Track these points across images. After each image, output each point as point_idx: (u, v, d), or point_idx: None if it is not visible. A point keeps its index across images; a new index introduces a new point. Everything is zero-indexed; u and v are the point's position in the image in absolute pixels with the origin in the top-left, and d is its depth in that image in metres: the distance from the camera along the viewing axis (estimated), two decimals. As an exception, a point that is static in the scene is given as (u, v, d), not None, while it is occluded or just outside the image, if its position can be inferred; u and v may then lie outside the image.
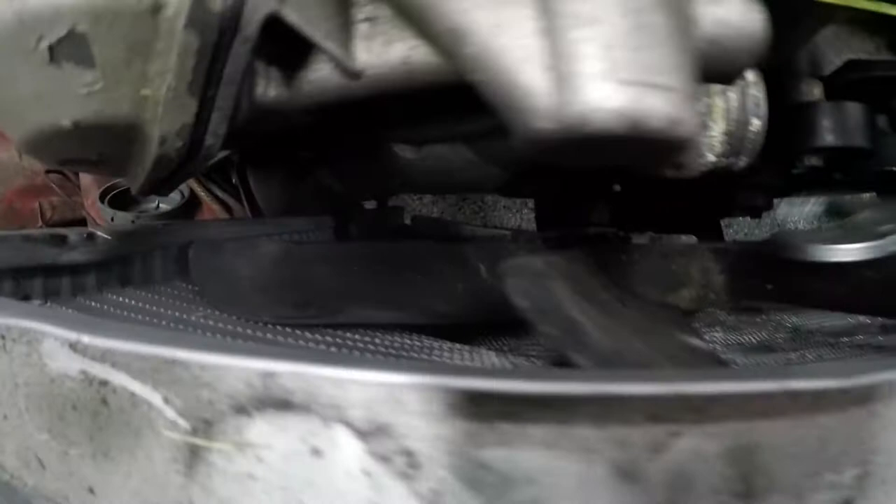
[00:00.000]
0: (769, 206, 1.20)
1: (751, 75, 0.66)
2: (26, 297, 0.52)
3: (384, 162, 0.52)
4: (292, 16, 0.33)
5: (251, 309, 0.49)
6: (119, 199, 0.86)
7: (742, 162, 0.67)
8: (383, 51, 0.35)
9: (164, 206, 0.87)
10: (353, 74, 0.35)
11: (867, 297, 0.61)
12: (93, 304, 0.52)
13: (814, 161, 0.82)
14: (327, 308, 0.50)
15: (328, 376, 0.22)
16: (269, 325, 0.47)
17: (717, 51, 0.37)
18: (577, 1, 0.31)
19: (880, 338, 0.66)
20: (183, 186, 0.88)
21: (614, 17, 0.31)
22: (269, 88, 0.38)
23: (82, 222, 0.89)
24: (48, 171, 0.87)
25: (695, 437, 0.20)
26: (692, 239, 0.68)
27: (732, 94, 0.65)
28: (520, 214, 1.17)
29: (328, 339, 0.46)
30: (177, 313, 0.49)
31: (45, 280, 0.54)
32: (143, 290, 0.55)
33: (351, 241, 0.72)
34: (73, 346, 0.27)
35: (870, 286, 0.61)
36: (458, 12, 0.32)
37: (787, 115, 0.82)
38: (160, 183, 0.44)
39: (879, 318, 0.67)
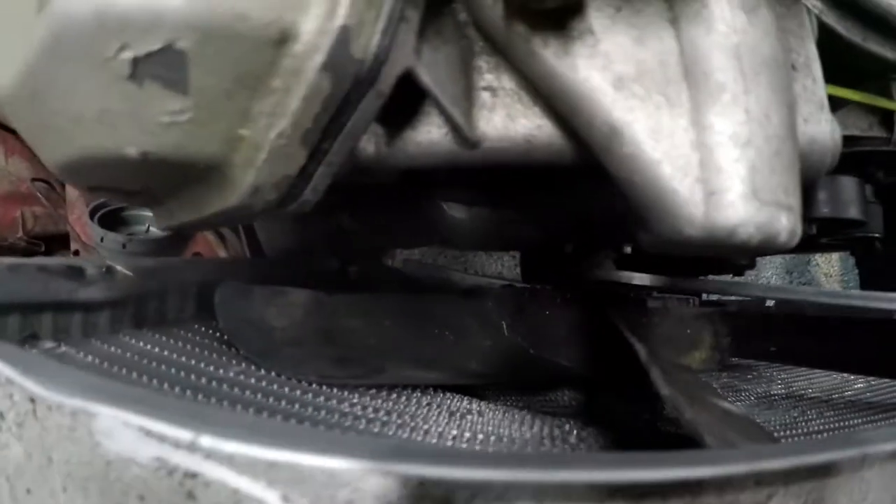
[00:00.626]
0: (752, 266, 1.27)
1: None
2: (34, 336, 0.49)
3: (427, 217, 0.52)
4: (425, 76, 0.32)
5: (291, 365, 0.47)
6: (108, 218, 0.81)
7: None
8: (506, 125, 0.35)
9: (154, 231, 0.83)
10: (471, 144, 0.35)
11: (860, 355, 0.65)
12: (109, 348, 0.49)
13: (809, 230, 0.88)
14: (368, 366, 0.48)
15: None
16: (314, 385, 0.46)
17: (806, 166, 0.40)
18: (729, 121, 0.34)
19: (868, 394, 0.71)
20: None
21: (760, 141, 0.34)
22: (369, 144, 0.36)
23: (65, 237, 0.83)
24: (34, 180, 0.80)
25: (784, 496, 0.25)
26: (693, 300, 0.70)
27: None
28: (501, 262, 1.18)
29: (379, 402, 0.44)
30: (211, 367, 0.47)
31: (55, 316, 0.50)
32: (160, 332, 0.52)
33: (348, 287, 0.71)
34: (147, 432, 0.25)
35: (863, 345, 0.64)
36: (620, 110, 0.33)
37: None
38: (203, 226, 0.41)
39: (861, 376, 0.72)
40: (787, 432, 0.60)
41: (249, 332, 0.50)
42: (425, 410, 0.45)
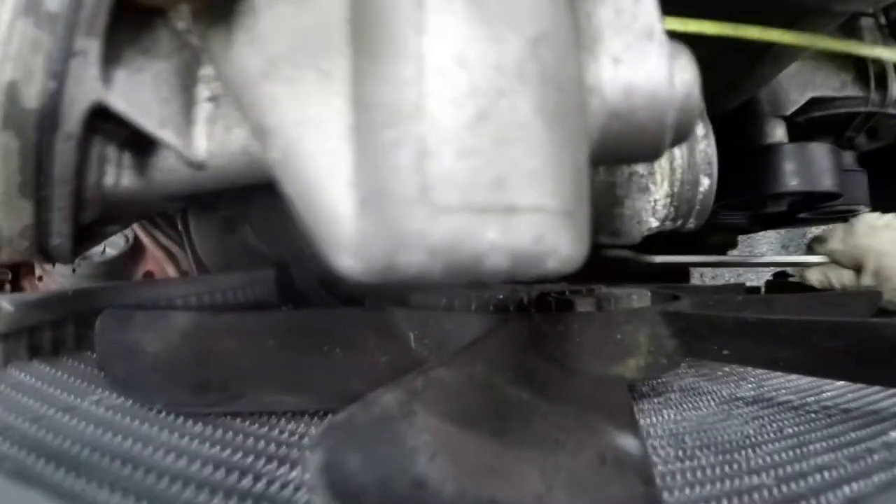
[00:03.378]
0: (734, 245, 1.17)
1: (700, 128, 0.62)
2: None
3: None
4: (119, 103, 0.30)
5: (148, 393, 0.46)
6: None
7: (691, 225, 0.63)
8: (224, 138, 0.31)
9: (109, 251, 0.85)
10: (196, 165, 0.32)
11: (830, 362, 0.57)
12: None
13: (777, 207, 0.78)
14: (227, 392, 0.47)
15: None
16: (164, 414, 0.45)
17: (627, 128, 0.29)
18: (392, 83, 0.23)
19: (849, 395, 0.63)
20: (128, 231, 0.87)
21: (436, 106, 0.22)
22: (121, 178, 0.34)
23: (32, 263, 0.88)
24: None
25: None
26: (640, 296, 0.64)
27: (678, 151, 0.61)
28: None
29: (219, 433, 0.43)
30: (71, 396, 0.47)
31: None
32: (50, 364, 0.53)
33: (290, 299, 0.70)
34: None
35: (834, 352, 0.57)
36: (263, 103, 0.26)
37: (748, 158, 0.78)
38: (46, 261, 0.41)
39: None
40: (727, 462, 0.52)
41: (120, 358, 0.50)
42: (274, 439, 0.43)
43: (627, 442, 0.42)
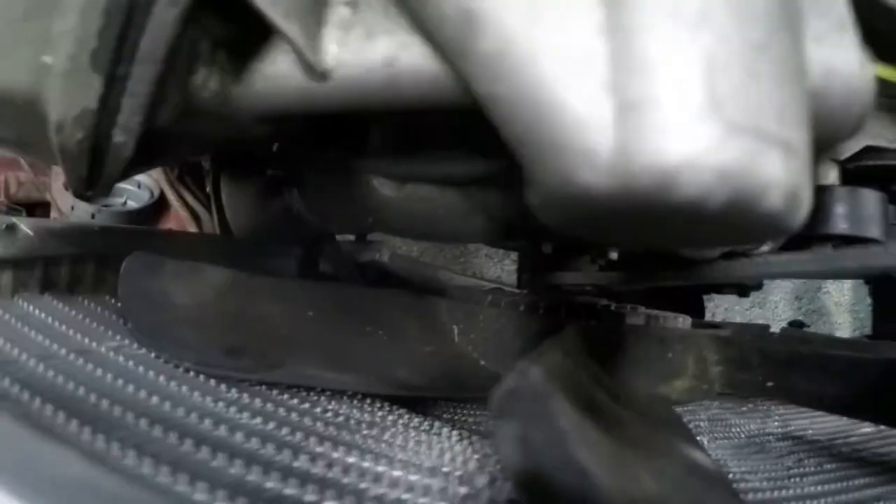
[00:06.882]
0: (759, 286, 1.12)
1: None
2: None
3: (358, 195, 0.42)
4: None
5: (176, 347, 0.38)
6: None
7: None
8: (362, 46, 0.24)
9: (131, 203, 0.76)
10: (318, 73, 0.24)
11: (871, 401, 0.52)
12: (6, 316, 0.41)
13: (821, 249, 0.74)
14: (265, 359, 0.39)
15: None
16: (192, 373, 0.37)
17: (821, 111, 0.24)
18: None
19: (877, 442, 0.57)
20: (154, 186, 0.78)
21: (726, 22, 0.19)
22: (210, 80, 0.26)
23: (47, 205, 0.78)
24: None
25: None
26: (684, 319, 0.58)
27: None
28: (501, 265, 1.07)
29: (256, 401, 0.35)
30: (86, 339, 0.39)
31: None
32: (62, 301, 0.45)
33: (313, 277, 0.62)
34: None
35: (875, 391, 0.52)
36: None
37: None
38: (80, 183, 0.33)
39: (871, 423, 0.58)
40: (776, 487, 0.47)
41: (144, 306, 0.42)
42: (314, 420, 0.35)
43: (702, 457, 0.36)
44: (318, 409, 0.36)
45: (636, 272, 0.51)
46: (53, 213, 0.74)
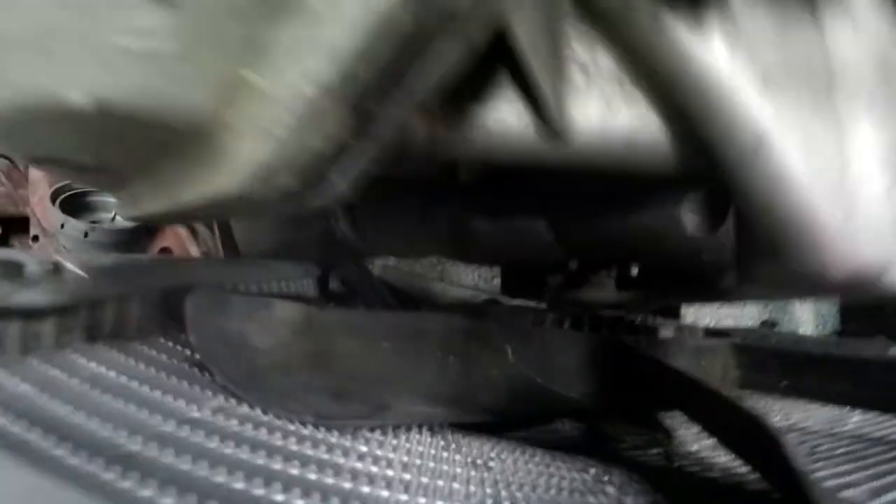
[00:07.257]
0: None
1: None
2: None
3: (444, 227, 0.42)
4: (521, 33, 0.20)
5: (279, 398, 0.37)
6: (71, 202, 0.68)
7: None
8: (604, 116, 0.24)
9: (120, 220, 0.70)
10: (554, 133, 0.24)
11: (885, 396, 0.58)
12: (51, 370, 0.37)
13: None
14: (371, 402, 0.38)
15: None
16: (308, 425, 0.35)
17: None
18: (881, 137, 0.24)
19: (868, 428, 0.64)
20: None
21: None
22: (423, 122, 0.24)
23: (25, 220, 0.69)
24: (-5, 155, 0.66)
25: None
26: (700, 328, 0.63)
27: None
28: (478, 272, 1.09)
29: (382, 451, 0.34)
30: (183, 402, 0.36)
31: (-18, 326, 0.38)
32: (118, 350, 0.41)
33: (326, 296, 0.60)
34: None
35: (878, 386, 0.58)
36: (769, 115, 0.23)
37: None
38: (180, 219, 0.28)
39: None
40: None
41: (227, 353, 0.39)
42: (442, 458, 0.35)
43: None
44: (444, 454, 0.36)
45: (654, 290, 0.54)
46: (34, 230, 0.67)
